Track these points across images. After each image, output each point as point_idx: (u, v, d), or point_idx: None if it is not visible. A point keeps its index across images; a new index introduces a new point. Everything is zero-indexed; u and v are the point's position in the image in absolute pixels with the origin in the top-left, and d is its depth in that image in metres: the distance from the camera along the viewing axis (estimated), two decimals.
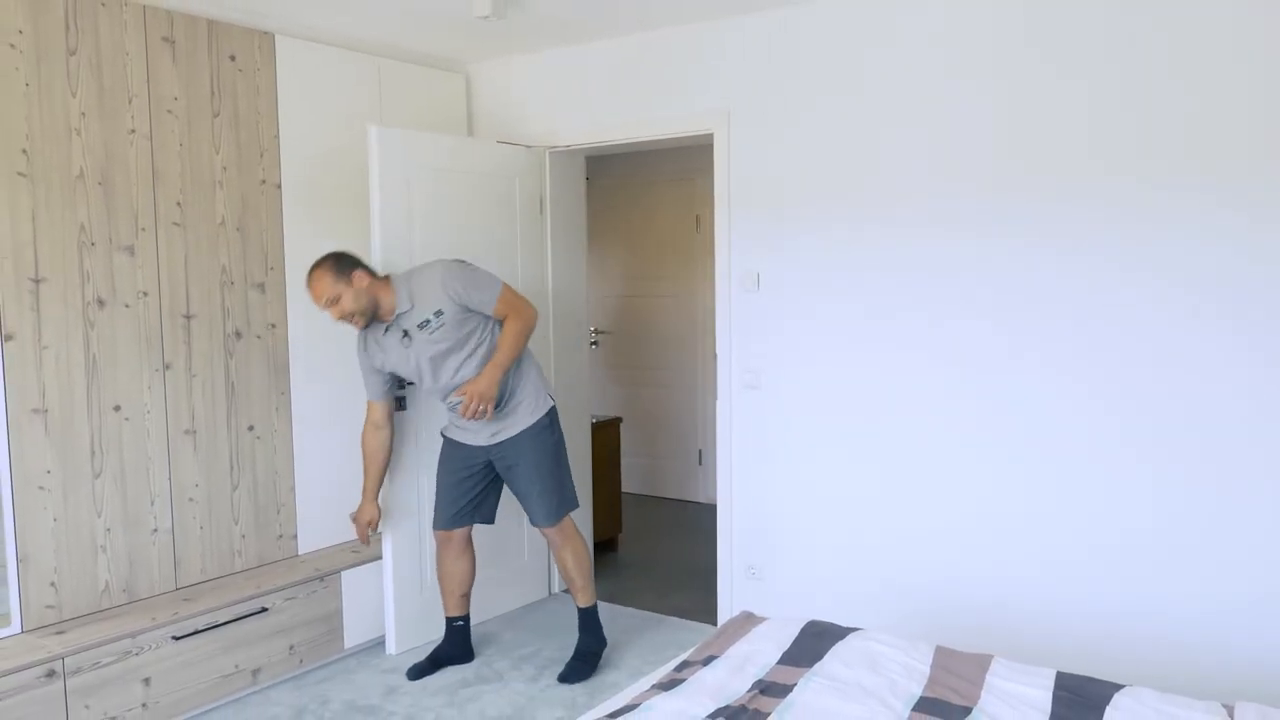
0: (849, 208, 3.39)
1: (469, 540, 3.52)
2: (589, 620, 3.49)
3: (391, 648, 3.64)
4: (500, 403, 3.27)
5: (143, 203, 3.17)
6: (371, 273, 3.19)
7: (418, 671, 3.45)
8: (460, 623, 3.56)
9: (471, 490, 3.42)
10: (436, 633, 3.76)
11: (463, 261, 3.28)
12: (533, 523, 3.41)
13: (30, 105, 2.89)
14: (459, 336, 3.18)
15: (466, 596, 3.55)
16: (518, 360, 3.27)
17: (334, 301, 3.09)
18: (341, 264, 3.13)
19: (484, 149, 3.95)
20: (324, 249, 3.70)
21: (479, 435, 3.34)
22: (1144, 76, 2.84)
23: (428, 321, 3.14)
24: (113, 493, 3.14)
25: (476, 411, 3.15)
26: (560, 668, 3.47)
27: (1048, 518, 3.10)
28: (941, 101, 3.18)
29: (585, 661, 3.42)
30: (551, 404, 3.37)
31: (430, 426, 3.72)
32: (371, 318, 3.17)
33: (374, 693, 3.33)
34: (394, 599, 3.63)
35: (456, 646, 3.55)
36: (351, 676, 3.46)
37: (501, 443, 3.32)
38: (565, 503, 3.38)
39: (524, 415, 3.30)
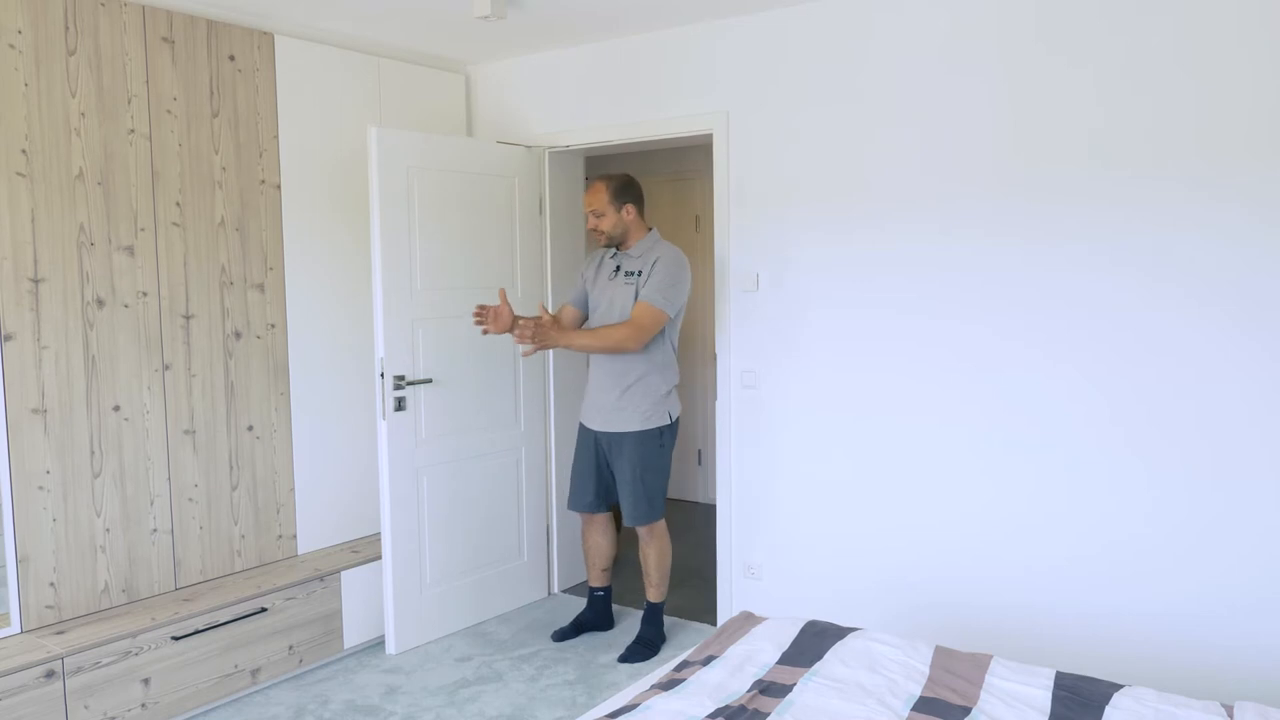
0: (849, 207, 3.39)
1: (610, 519, 3.79)
2: (653, 614, 3.71)
3: (391, 648, 3.64)
4: (614, 395, 3.54)
5: (142, 203, 3.17)
6: (640, 211, 3.56)
7: (560, 635, 3.77)
8: (602, 593, 3.85)
9: (601, 474, 3.67)
10: (437, 632, 3.77)
11: (683, 266, 3.52)
12: (624, 519, 3.63)
13: (30, 105, 2.89)
14: (629, 301, 3.49)
15: (607, 570, 3.83)
16: (651, 372, 3.52)
17: (598, 215, 3.51)
18: (622, 193, 3.52)
19: (484, 149, 3.95)
20: (323, 249, 3.73)
21: (595, 420, 3.61)
22: (1149, 77, 2.84)
23: (631, 272, 3.52)
24: (112, 493, 3.14)
25: (525, 330, 3.31)
26: (560, 667, 3.49)
27: (1048, 517, 3.10)
28: (942, 101, 3.18)
29: (644, 646, 3.61)
30: (670, 422, 3.57)
31: (430, 429, 3.73)
32: (614, 243, 3.58)
33: (374, 693, 3.33)
34: (394, 599, 3.62)
35: (598, 614, 3.84)
36: (351, 676, 3.47)
37: (610, 434, 3.58)
38: (653, 512, 3.61)
39: (635, 419, 3.52)
